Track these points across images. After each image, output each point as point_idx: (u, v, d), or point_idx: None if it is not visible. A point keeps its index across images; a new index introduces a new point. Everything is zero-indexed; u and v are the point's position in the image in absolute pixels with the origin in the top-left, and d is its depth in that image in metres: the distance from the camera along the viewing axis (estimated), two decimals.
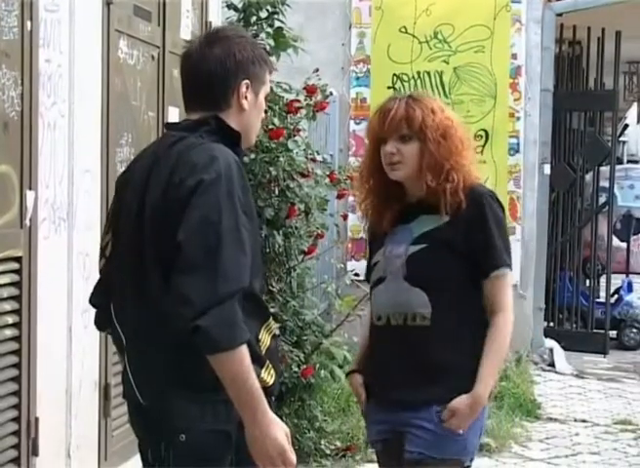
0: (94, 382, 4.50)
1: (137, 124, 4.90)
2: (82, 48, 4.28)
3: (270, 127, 6.08)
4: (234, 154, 2.68)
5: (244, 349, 2.50)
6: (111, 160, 4.60)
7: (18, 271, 3.79)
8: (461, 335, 3.27)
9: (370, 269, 3.51)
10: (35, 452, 3.93)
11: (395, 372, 3.31)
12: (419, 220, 3.32)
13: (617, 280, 11.47)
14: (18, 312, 3.80)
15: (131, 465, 4.62)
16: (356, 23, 9.79)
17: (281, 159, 6.05)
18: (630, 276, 12.00)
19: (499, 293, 3.31)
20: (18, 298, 3.79)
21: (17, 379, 3.81)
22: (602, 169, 10.69)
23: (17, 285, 3.79)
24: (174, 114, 5.17)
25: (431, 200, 3.28)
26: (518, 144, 9.54)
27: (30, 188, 3.84)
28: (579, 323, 10.50)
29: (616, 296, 11.10)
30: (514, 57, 9.61)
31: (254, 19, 6.39)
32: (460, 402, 3.22)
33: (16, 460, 3.82)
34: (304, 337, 6.29)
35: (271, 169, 6.02)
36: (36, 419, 3.93)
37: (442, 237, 3.26)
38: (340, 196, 6.91)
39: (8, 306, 3.74)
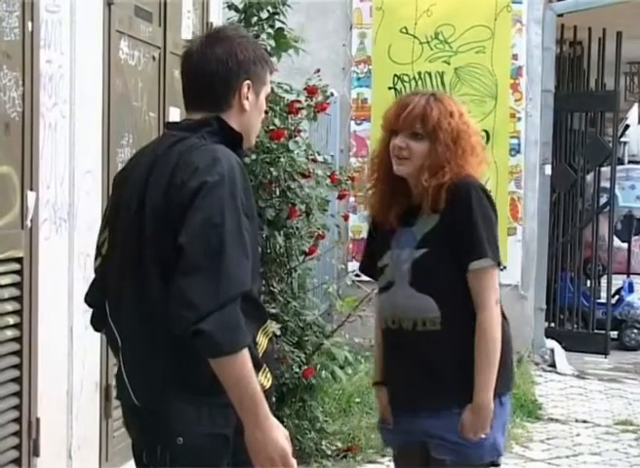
0: (95, 383, 4.51)
1: (138, 125, 4.90)
2: (83, 48, 4.28)
3: (271, 127, 6.08)
4: (236, 155, 2.66)
5: (246, 352, 2.50)
6: (112, 161, 4.60)
7: (19, 272, 3.79)
8: (472, 335, 3.23)
9: (367, 263, 3.52)
10: (36, 453, 3.93)
11: (411, 379, 3.30)
12: (419, 223, 3.31)
13: (618, 280, 11.47)
14: (19, 313, 3.80)
15: (131, 466, 4.61)
16: (357, 24, 9.79)
17: (282, 160, 6.05)
18: (631, 276, 12.00)
19: (480, 288, 3.24)
20: (19, 299, 3.79)
21: (18, 380, 3.81)
22: (603, 169, 10.69)
23: (18, 285, 3.79)
24: (175, 115, 5.17)
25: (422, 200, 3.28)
26: (519, 145, 9.54)
27: (31, 189, 3.84)
28: (580, 323, 10.49)
29: (617, 297, 11.09)
30: (515, 57, 9.61)
31: (254, 19, 6.40)
32: (465, 415, 3.22)
33: (17, 461, 3.82)
34: (305, 338, 6.29)
35: (272, 169, 6.02)
36: (37, 420, 3.93)
37: (439, 238, 3.25)
38: (340, 197, 6.91)
39: (9, 307, 3.74)
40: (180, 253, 2.50)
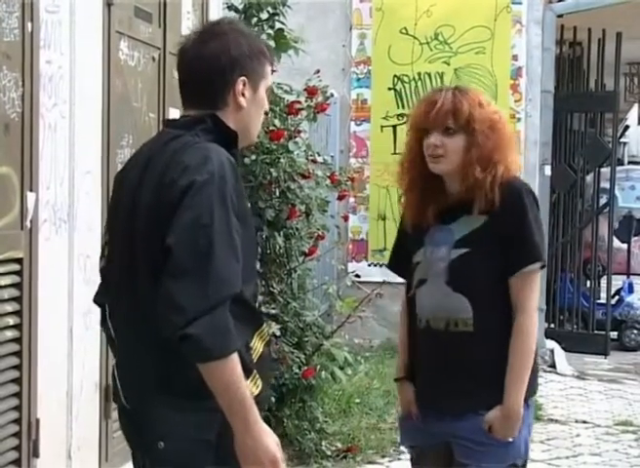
0: (94, 384, 4.50)
1: (137, 125, 4.90)
2: (83, 49, 4.28)
3: (271, 128, 6.09)
4: (230, 155, 2.60)
5: (235, 357, 2.44)
6: (112, 161, 4.60)
7: (18, 272, 3.79)
8: (504, 339, 3.19)
9: (396, 260, 3.47)
10: (36, 454, 3.93)
11: (439, 379, 3.26)
12: (459, 222, 3.24)
13: (617, 281, 11.47)
14: (18, 313, 3.80)
15: (131, 466, 4.61)
16: (357, 25, 9.79)
17: (282, 160, 6.06)
18: (631, 277, 12.01)
19: (526, 292, 3.21)
20: (18, 300, 3.79)
21: (17, 381, 3.81)
22: (603, 170, 10.69)
23: (17, 286, 3.79)
24: (174, 115, 5.17)
25: (469, 197, 3.20)
26: (519, 145, 9.54)
27: (31, 190, 3.84)
28: (579, 324, 10.49)
29: (616, 298, 11.09)
30: (515, 58, 9.62)
31: (254, 20, 6.40)
32: (494, 417, 3.18)
33: (16, 462, 3.82)
34: (305, 339, 6.29)
35: (272, 170, 6.02)
36: (37, 421, 3.93)
37: (483, 238, 3.19)
38: (340, 197, 6.92)
39: (9, 307, 3.74)
40: (168, 253, 2.45)
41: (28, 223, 3.84)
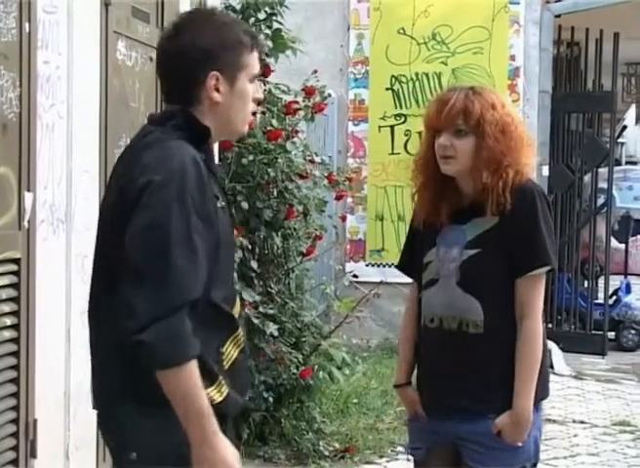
0: None
1: (135, 125, 4.89)
2: (80, 49, 4.28)
3: (269, 128, 6.09)
4: (199, 152, 2.49)
5: (192, 366, 2.34)
6: (110, 161, 4.59)
7: (16, 273, 3.79)
8: (514, 341, 3.18)
9: (406, 260, 3.43)
10: (34, 454, 3.93)
11: (449, 380, 3.23)
12: (472, 223, 3.21)
13: (615, 281, 11.47)
14: (16, 314, 3.79)
15: None
16: (354, 25, 9.79)
17: (279, 160, 6.06)
18: (629, 277, 12.00)
19: (533, 295, 3.21)
20: (16, 300, 3.79)
21: (15, 381, 3.80)
22: (600, 170, 10.68)
23: (15, 286, 3.78)
24: None
25: (482, 200, 3.17)
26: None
27: (29, 190, 3.84)
28: (577, 324, 10.49)
29: (614, 298, 11.09)
30: (512, 58, 9.62)
31: (252, 20, 6.40)
32: (504, 422, 3.16)
33: (14, 462, 3.82)
34: (303, 339, 6.30)
35: (270, 170, 6.02)
36: (34, 421, 3.92)
37: (494, 240, 3.17)
38: (338, 197, 6.92)
39: (6, 308, 3.74)
40: (125, 256, 2.38)
41: (26, 223, 3.83)
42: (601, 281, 11.19)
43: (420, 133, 3.54)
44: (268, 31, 6.41)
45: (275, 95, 6.37)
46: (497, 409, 3.18)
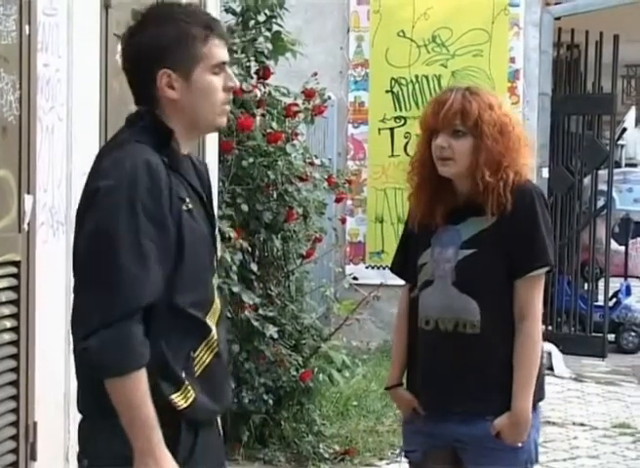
0: None
1: None
2: (80, 52, 4.28)
3: (268, 131, 6.10)
4: (162, 154, 2.44)
5: (139, 374, 2.31)
6: None
7: (16, 275, 3.79)
8: (512, 341, 3.17)
9: (399, 262, 3.42)
10: (33, 457, 3.93)
11: (445, 381, 3.22)
12: (467, 222, 3.20)
13: (615, 283, 11.47)
14: (16, 316, 3.79)
15: None
16: (354, 27, 9.80)
17: (279, 163, 6.06)
18: (629, 279, 11.99)
19: (532, 296, 3.20)
20: (16, 302, 3.79)
21: (15, 383, 3.80)
22: (600, 172, 10.69)
23: (15, 289, 3.78)
24: None
25: (479, 200, 3.16)
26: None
27: (28, 192, 3.84)
28: (577, 326, 10.49)
29: (614, 300, 11.08)
30: (512, 60, 9.62)
31: (252, 22, 6.41)
32: (503, 424, 3.15)
33: (14, 465, 3.82)
34: (303, 341, 6.30)
35: (269, 173, 6.03)
36: (34, 424, 3.92)
37: (491, 240, 3.15)
38: (338, 200, 6.93)
39: (6, 310, 3.74)
40: (74, 263, 2.39)
41: (26, 226, 3.83)
42: (601, 283, 11.18)
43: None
44: (268, 34, 6.41)
45: (275, 97, 6.38)
46: (495, 411, 3.17)
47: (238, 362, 5.87)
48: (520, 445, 3.19)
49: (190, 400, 2.44)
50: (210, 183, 2.71)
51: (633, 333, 10.84)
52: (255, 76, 6.38)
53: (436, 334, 3.23)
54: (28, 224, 3.85)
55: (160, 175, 2.39)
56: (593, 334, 10.37)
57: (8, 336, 3.76)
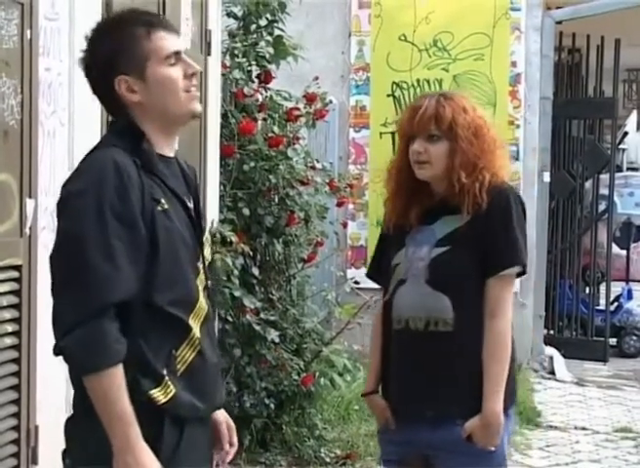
0: None
1: None
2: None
3: (270, 135, 6.10)
4: (136, 156, 2.48)
5: (114, 371, 2.35)
6: None
7: (17, 279, 3.78)
8: (482, 342, 3.17)
9: (374, 267, 3.47)
10: (35, 461, 3.93)
11: (415, 384, 3.22)
12: (441, 221, 3.23)
13: (616, 287, 11.47)
14: (17, 321, 3.79)
15: None
16: (356, 31, 9.80)
17: (281, 167, 6.07)
18: (630, 283, 11.99)
19: (503, 294, 3.20)
20: (17, 307, 3.79)
21: (16, 388, 3.80)
22: (602, 176, 10.69)
23: (16, 293, 3.78)
24: None
25: (454, 200, 3.19)
26: (518, 152, 9.54)
27: (30, 196, 3.84)
28: (578, 330, 10.49)
29: (615, 304, 11.09)
30: (514, 64, 9.62)
31: (253, 27, 6.42)
32: (474, 426, 3.14)
33: None
34: (304, 345, 6.30)
35: (271, 177, 6.03)
36: (36, 428, 3.92)
37: (465, 238, 3.18)
38: (339, 204, 6.93)
39: (7, 314, 3.74)
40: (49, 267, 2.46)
41: (27, 230, 3.83)
42: (602, 287, 11.18)
43: None
44: (269, 38, 6.42)
45: (276, 101, 6.38)
46: (465, 414, 3.16)
47: (240, 366, 5.87)
48: (493, 448, 3.18)
49: (170, 395, 2.47)
50: (197, 186, 2.73)
51: (635, 337, 10.84)
52: (256, 80, 6.39)
53: (406, 334, 3.23)
54: (30, 228, 3.85)
55: (130, 175, 2.44)
56: (595, 339, 10.36)
57: (9, 340, 3.75)
